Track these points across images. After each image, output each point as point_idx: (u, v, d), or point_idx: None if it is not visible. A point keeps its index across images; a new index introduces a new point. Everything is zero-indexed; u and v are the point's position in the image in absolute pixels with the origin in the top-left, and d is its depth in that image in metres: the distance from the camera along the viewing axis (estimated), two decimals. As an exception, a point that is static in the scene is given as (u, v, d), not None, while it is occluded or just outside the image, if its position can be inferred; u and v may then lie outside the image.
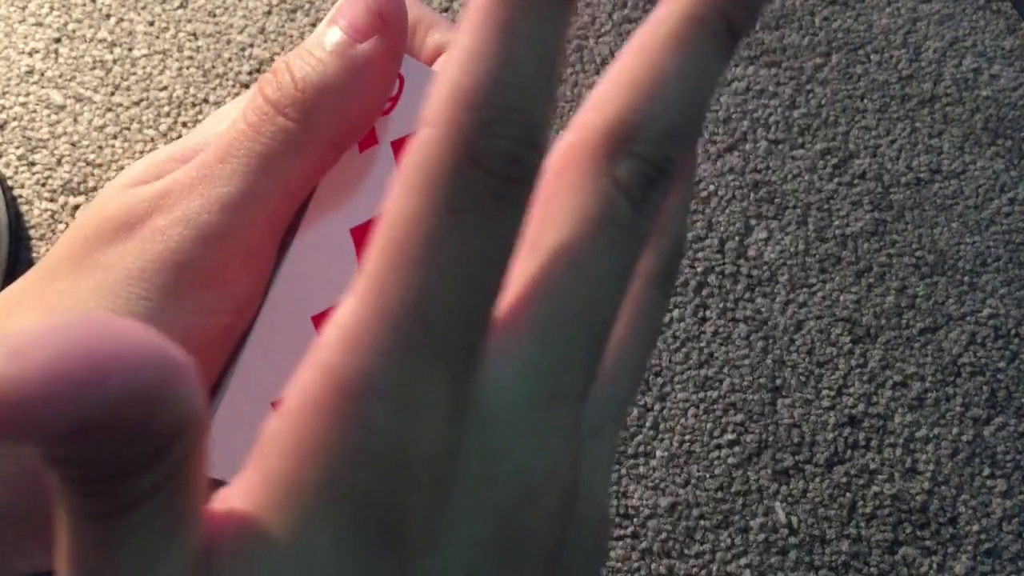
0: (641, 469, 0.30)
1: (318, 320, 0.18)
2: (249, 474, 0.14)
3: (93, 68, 0.35)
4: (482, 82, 0.13)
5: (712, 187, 0.34)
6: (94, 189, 0.33)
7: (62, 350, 0.10)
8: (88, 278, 0.17)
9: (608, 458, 0.17)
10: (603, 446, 0.17)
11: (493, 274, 0.14)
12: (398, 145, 0.19)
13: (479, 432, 0.14)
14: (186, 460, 0.12)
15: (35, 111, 0.34)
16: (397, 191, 0.14)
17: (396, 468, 0.13)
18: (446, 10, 0.37)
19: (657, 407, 0.31)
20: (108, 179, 0.33)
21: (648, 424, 0.31)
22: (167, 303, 0.17)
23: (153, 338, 0.11)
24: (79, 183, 0.33)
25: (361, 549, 0.13)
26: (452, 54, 0.14)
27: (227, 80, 0.35)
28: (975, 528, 0.29)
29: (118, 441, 0.11)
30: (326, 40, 0.17)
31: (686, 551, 0.29)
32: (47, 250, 0.32)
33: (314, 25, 0.36)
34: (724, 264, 0.33)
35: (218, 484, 0.18)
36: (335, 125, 0.17)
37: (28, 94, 0.34)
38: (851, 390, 0.31)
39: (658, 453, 0.30)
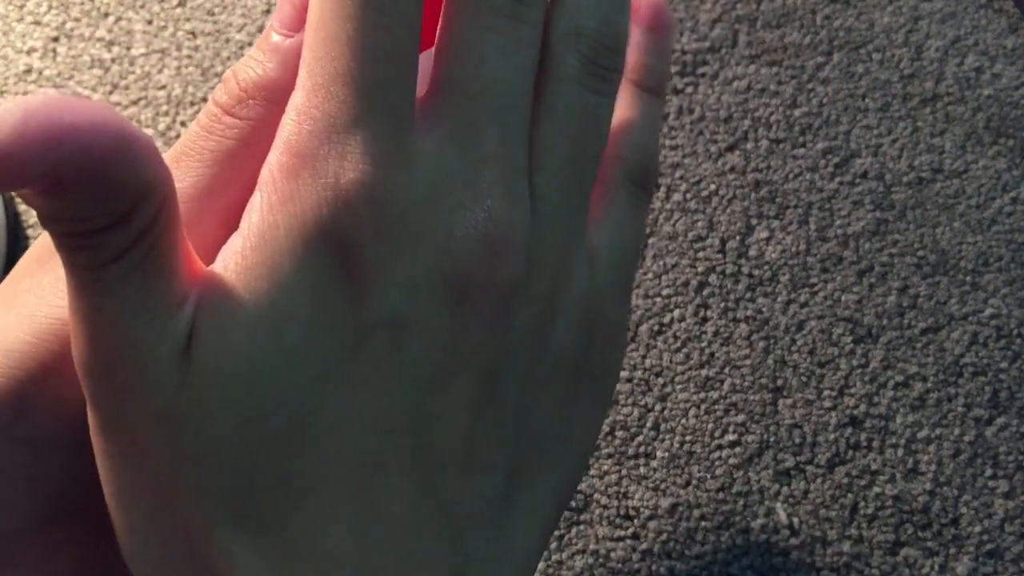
0: (642, 470, 0.30)
1: None
2: (230, 240, 0.16)
3: (91, 67, 0.34)
4: None
5: (713, 186, 0.34)
6: (92, 188, 0.33)
7: (26, 120, 0.12)
8: (48, 274, 0.18)
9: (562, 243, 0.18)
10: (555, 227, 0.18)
11: (398, 42, 0.16)
12: None
13: (417, 187, 0.16)
14: (155, 222, 0.14)
15: (33, 110, 0.34)
16: None
17: (343, 206, 0.15)
18: (446, 9, 0.37)
19: (658, 407, 0.31)
20: (106, 178, 0.33)
21: (649, 425, 0.30)
22: None
23: (112, 114, 0.13)
24: (77, 182, 0.33)
25: (318, 276, 0.15)
26: None
27: (226, 79, 0.35)
28: (977, 529, 0.29)
29: (87, 197, 0.13)
30: (263, 43, 0.19)
31: (687, 552, 0.29)
32: (45, 250, 0.32)
33: (313, 24, 0.36)
34: (725, 264, 0.33)
35: None
36: (280, 117, 0.18)
37: (26, 93, 0.34)
38: (853, 390, 0.31)
39: (659, 454, 0.30)
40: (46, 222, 0.14)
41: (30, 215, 0.32)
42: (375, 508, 0.16)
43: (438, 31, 0.18)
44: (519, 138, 0.18)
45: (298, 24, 0.19)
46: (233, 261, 0.16)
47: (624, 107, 0.22)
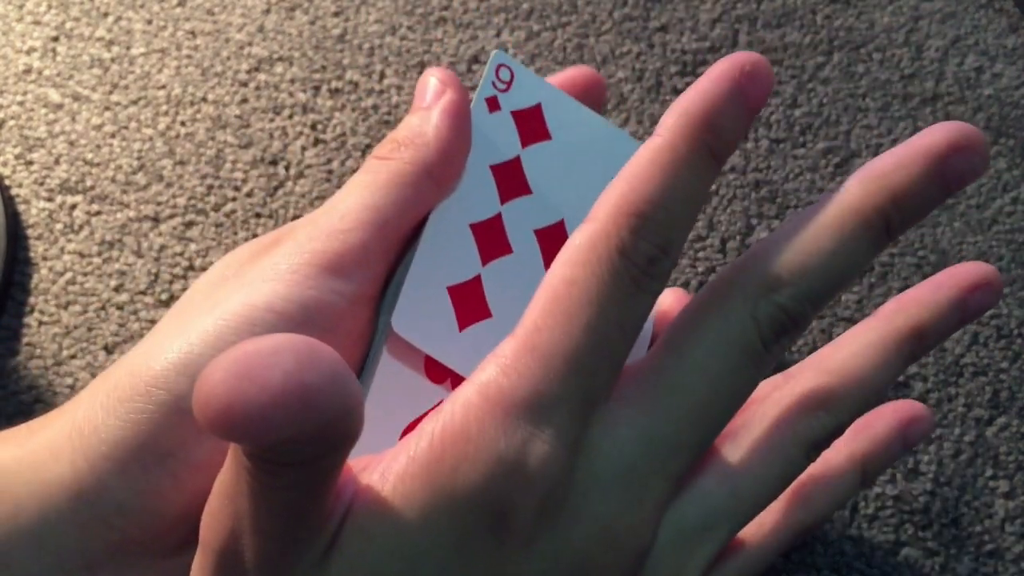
0: (642, 470, 0.30)
1: (452, 290, 0.22)
2: (396, 452, 0.17)
3: (91, 67, 0.34)
4: (641, 199, 0.17)
5: (713, 187, 0.34)
6: (92, 188, 0.33)
7: (279, 384, 0.12)
8: (222, 289, 0.20)
9: (707, 561, 0.19)
10: (707, 547, 0.19)
11: (624, 342, 0.17)
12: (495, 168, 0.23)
13: (589, 473, 0.17)
14: (337, 462, 0.15)
15: (32, 110, 0.34)
16: (559, 262, 0.18)
17: (519, 474, 0.16)
18: (446, 8, 0.36)
19: (658, 407, 0.31)
20: (106, 178, 0.33)
21: (649, 425, 0.30)
22: (294, 285, 0.19)
23: (341, 370, 0.13)
24: (77, 182, 0.33)
25: (470, 526, 0.16)
26: (622, 174, 0.18)
27: (225, 79, 0.35)
28: (978, 529, 0.29)
29: (295, 447, 0.13)
30: (411, 115, 0.22)
31: (687, 552, 0.29)
32: (45, 249, 0.31)
33: (313, 23, 0.36)
34: (725, 264, 0.33)
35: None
36: (429, 159, 0.21)
37: (26, 93, 0.34)
38: (853, 390, 0.31)
39: (659, 454, 0.30)
40: (271, 447, 0.14)
41: (29, 215, 0.32)
42: None
43: (682, 326, 0.18)
44: (698, 458, 0.18)
45: (438, 95, 0.21)
46: (393, 482, 0.16)
47: (839, 477, 0.23)
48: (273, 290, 0.19)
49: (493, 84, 0.23)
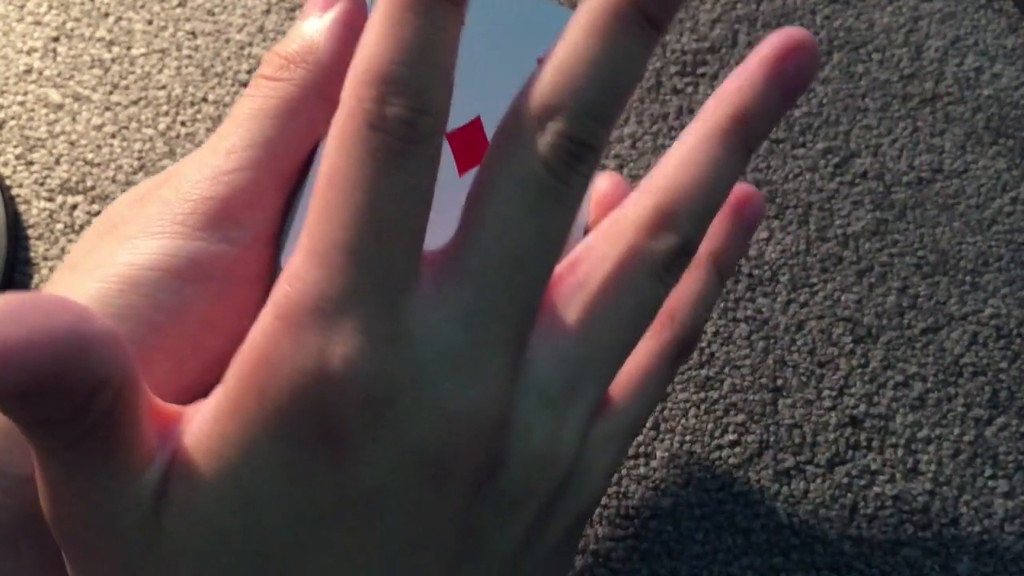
0: (642, 470, 0.30)
1: None
2: (215, 392, 0.16)
3: (91, 67, 0.35)
4: (377, 62, 0.16)
5: (713, 186, 0.34)
6: (92, 188, 0.33)
7: None
8: (105, 243, 0.19)
9: (583, 420, 0.18)
10: (578, 406, 0.18)
11: (409, 218, 0.16)
12: None
13: (411, 364, 0.16)
14: (112, 408, 0.14)
15: (33, 110, 0.34)
16: (324, 153, 0.16)
17: (326, 380, 0.15)
18: None
19: (658, 408, 0.31)
20: (106, 178, 0.33)
21: (649, 425, 0.30)
22: (180, 237, 0.18)
23: (64, 316, 0.13)
24: (77, 182, 0.33)
25: (294, 446, 0.15)
26: (359, 45, 0.16)
27: (226, 79, 0.35)
28: (977, 529, 0.29)
29: (40, 400, 0.13)
30: (301, 23, 0.20)
31: (687, 552, 0.29)
32: (46, 249, 0.32)
33: (313, 24, 0.36)
34: (725, 264, 0.33)
35: None
36: (321, 79, 0.19)
37: (26, 93, 0.34)
38: (852, 390, 0.31)
39: (659, 454, 0.30)
40: (8, 415, 0.14)
41: (29, 215, 0.32)
42: None
43: (475, 187, 0.17)
44: (531, 316, 0.17)
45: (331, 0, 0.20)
46: (210, 423, 0.15)
47: (694, 280, 0.22)
48: (159, 246, 0.18)
49: None
